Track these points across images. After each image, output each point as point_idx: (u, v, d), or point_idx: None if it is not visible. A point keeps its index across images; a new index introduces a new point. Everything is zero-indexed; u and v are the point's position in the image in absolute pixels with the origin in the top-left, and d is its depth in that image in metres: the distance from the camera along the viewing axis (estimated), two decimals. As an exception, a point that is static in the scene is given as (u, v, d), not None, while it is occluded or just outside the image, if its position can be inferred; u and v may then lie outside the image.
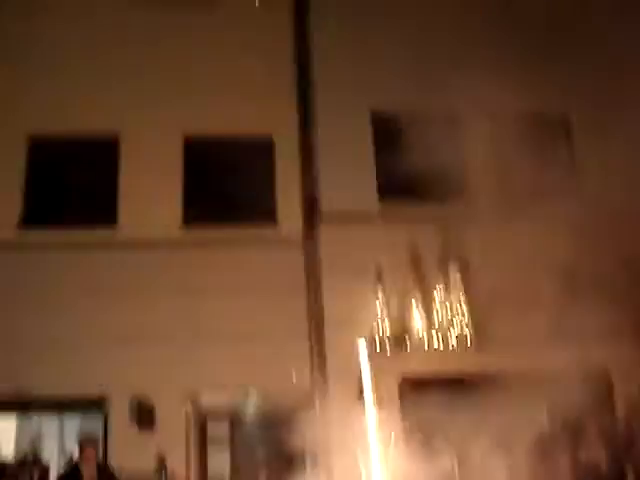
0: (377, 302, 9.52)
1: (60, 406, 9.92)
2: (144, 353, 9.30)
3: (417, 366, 9.29)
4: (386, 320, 9.48)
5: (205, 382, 9.52)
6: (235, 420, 13.40)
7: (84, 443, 8.21)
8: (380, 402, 9.10)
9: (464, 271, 9.51)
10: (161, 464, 8.93)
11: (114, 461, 9.15)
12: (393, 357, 9.32)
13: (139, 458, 9.04)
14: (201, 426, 11.81)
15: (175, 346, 9.39)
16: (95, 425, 9.96)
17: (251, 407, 12.34)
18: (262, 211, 10.24)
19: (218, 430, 13.13)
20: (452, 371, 9.14)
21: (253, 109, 10.25)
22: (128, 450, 9.12)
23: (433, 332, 9.48)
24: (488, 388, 8.28)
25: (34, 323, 9.37)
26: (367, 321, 9.38)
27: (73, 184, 10.41)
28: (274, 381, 9.40)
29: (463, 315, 9.46)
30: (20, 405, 9.70)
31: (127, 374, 9.16)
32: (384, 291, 9.56)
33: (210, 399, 10.76)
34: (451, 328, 9.46)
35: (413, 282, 9.67)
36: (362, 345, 6.00)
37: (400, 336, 9.41)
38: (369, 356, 8.84)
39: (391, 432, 6.57)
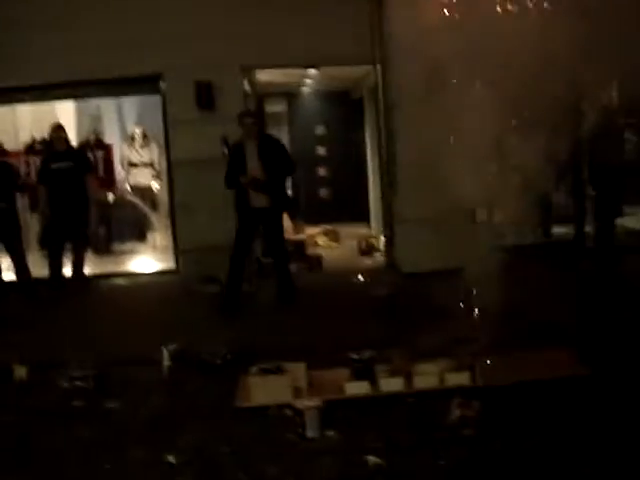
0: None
1: (116, 88, 9.70)
2: (201, 29, 8.79)
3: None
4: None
5: (263, 60, 9.05)
6: (292, 98, 13.35)
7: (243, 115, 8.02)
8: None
9: None
10: (225, 143, 8.84)
11: (175, 142, 9.13)
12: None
13: (199, 138, 8.96)
14: (259, 103, 11.74)
15: (232, 21, 8.82)
16: (153, 106, 9.85)
17: (310, 85, 12.14)
18: None
19: (276, 107, 13.12)
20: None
21: None
22: (188, 130, 9.01)
23: None
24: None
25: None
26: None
27: None
28: (333, 58, 8.96)
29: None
30: (77, 89, 9.49)
31: (183, 51, 8.74)
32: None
33: (268, 77, 10.52)
34: None
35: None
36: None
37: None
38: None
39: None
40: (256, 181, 7.66)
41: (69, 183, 8.50)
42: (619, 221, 9.30)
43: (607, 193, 8.66)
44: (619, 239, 9.04)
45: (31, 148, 10.49)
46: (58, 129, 8.80)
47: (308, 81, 11.90)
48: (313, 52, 8.91)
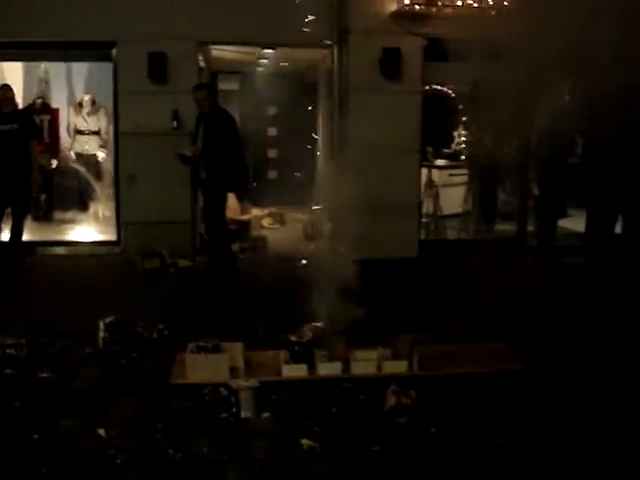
0: None
1: (68, 53, 9.46)
2: (157, 1, 8.64)
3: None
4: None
5: (217, 36, 8.94)
6: (246, 77, 13.22)
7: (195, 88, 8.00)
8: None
9: None
10: (175, 116, 8.75)
11: (123, 112, 8.97)
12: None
13: (149, 110, 8.81)
14: (213, 80, 11.60)
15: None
16: (104, 74, 9.64)
17: (264, 64, 12.05)
18: None
19: (229, 85, 12.98)
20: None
21: None
22: (138, 100, 8.85)
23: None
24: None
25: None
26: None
27: None
28: (290, 37, 8.89)
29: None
30: (25, 50, 9.23)
31: (139, 21, 8.56)
32: None
33: (222, 54, 10.40)
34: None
35: None
36: None
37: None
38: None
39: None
40: (183, 157, 7.91)
41: (13, 146, 8.28)
42: (561, 222, 9.49)
43: (551, 193, 8.82)
44: (560, 240, 9.23)
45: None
46: (5, 89, 8.54)
47: (263, 61, 11.80)
48: (270, 32, 8.82)
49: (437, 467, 3.77)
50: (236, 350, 4.98)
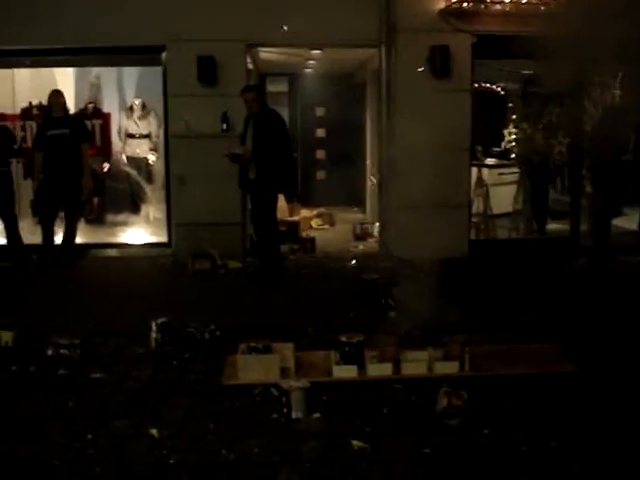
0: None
1: (118, 58, 9.60)
2: (208, 3, 8.71)
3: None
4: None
5: (266, 39, 8.97)
6: (294, 78, 13.26)
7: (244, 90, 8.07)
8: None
9: None
10: (224, 118, 8.82)
11: (174, 115, 9.06)
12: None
13: (198, 112, 8.90)
14: (261, 82, 11.66)
15: (236, 1, 8.75)
16: (154, 78, 9.75)
17: (313, 66, 12.05)
18: None
19: (277, 87, 13.03)
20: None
21: None
22: (189, 104, 8.94)
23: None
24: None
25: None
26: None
27: None
28: (338, 37, 8.88)
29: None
30: (77, 56, 9.39)
31: (188, 25, 8.65)
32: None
33: (271, 56, 10.44)
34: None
35: None
36: None
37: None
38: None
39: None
40: (234, 155, 7.84)
41: (65, 150, 8.44)
42: (616, 221, 9.29)
43: (605, 192, 8.64)
44: (615, 239, 9.03)
45: (28, 113, 10.37)
46: (57, 95, 8.71)
47: (311, 62, 11.81)
48: (318, 33, 8.83)
49: (489, 470, 3.71)
50: (287, 351, 4.98)
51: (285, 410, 4.31)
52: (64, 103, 8.76)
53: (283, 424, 4.25)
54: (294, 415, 4.29)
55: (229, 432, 4.14)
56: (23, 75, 10.32)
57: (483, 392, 4.58)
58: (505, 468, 3.71)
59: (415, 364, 4.90)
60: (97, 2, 8.68)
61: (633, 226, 10.15)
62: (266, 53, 10.20)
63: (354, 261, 8.85)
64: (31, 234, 9.30)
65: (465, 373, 4.86)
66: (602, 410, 4.37)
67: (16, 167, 9.41)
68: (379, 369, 4.86)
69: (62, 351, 5.28)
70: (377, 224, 9.96)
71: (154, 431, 4.14)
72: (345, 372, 4.84)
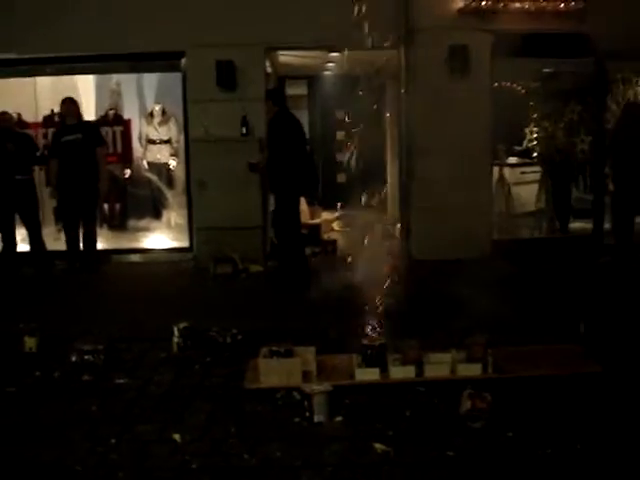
0: None
1: (138, 64, 9.66)
2: (225, 8, 8.74)
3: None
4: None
5: (284, 42, 8.98)
6: (314, 81, 13.25)
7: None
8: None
9: None
10: (245, 122, 8.83)
11: (194, 120, 9.10)
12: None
13: (220, 118, 8.92)
14: (281, 85, 11.67)
15: (257, 2, 8.76)
16: (174, 84, 9.79)
17: (331, 67, 12.03)
18: None
19: (296, 90, 13.02)
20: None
21: None
22: (209, 108, 8.97)
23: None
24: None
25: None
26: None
27: None
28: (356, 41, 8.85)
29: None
30: (97, 63, 9.46)
31: (206, 30, 8.68)
32: None
33: (289, 59, 10.44)
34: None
35: None
36: None
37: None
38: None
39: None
40: (251, 165, 8.07)
41: (79, 156, 8.52)
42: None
43: (628, 189, 8.54)
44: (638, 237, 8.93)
45: (50, 121, 10.47)
46: (69, 102, 8.79)
47: (330, 64, 11.79)
48: (336, 35, 8.79)
49: (514, 473, 3.67)
50: (309, 354, 4.97)
51: (307, 414, 4.30)
52: (77, 110, 8.84)
53: (305, 428, 4.24)
54: (316, 419, 4.27)
55: (251, 436, 4.13)
56: (45, 83, 10.42)
57: (507, 394, 4.54)
58: (530, 471, 3.67)
59: (438, 366, 4.87)
60: (116, 10, 8.74)
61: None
62: (285, 56, 10.21)
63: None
64: (54, 240, 9.38)
65: (488, 375, 4.82)
66: (627, 411, 4.32)
67: (39, 175, 9.48)
68: (402, 372, 4.83)
69: (86, 357, 5.31)
70: (398, 225, 9.92)
71: (177, 436, 4.15)
72: (367, 375, 4.82)
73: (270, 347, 4.98)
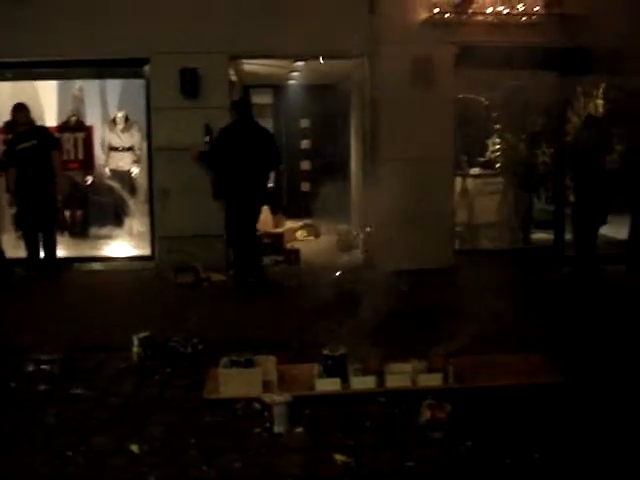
0: None
1: (101, 70, 9.58)
2: (190, 15, 8.70)
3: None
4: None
5: (249, 50, 8.97)
6: (278, 90, 13.25)
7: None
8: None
9: None
10: (208, 131, 8.80)
11: (156, 128, 9.04)
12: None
13: (183, 126, 8.87)
14: (245, 94, 11.66)
15: (222, 10, 8.74)
16: (137, 91, 9.72)
17: (297, 77, 12.05)
18: None
19: (261, 99, 13.02)
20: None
21: None
22: (172, 116, 8.92)
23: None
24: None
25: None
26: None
27: None
28: (321, 49, 8.90)
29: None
30: (59, 69, 9.36)
31: (170, 37, 8.64)
32: None
33: (254, 68, 10.43)
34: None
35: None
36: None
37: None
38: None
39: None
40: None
41: (35, 162, 8.46)
42: (605, 230, 9.30)
43: (588, 200, 8.65)
44: (601, 247, 9.05)
45: (10, 126, 10.31)
46: (20, 109, 8.69)
47: (295, 74, 11.82)
48: (301, 44, 8.83)
49: (474, 483, 3.68)
50: (269, 364, 4.94)
51: (267, 424, 4.27)
52: (29, 116, 8.74)
53: (265, 439, 4.20)
54: (276, 429, 4.24)
55: (210, 447, 4.09)
56: (5, 88, 10.25)
57: (467, 404, 4.55)
58: (489, 481, 3.68)
59: (399, 376, 4.87)
60: (80, 15, 8.65)
61: (621, 235, 10.16)
62: (250, 65, 10.20)
63: (339, 273, 8.81)
64: (14, 248, 9.23)
65: (449, 385, 4.83)
66: (586, 420, 4.36)
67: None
68: (362, 382, 4.83)
69: (43, 367, 5.22)
70: (362, 235, 9.94)
71: (134, 447, 4.09)
72: (328, 385, 4.80)
73: (230, 357, 4.94)
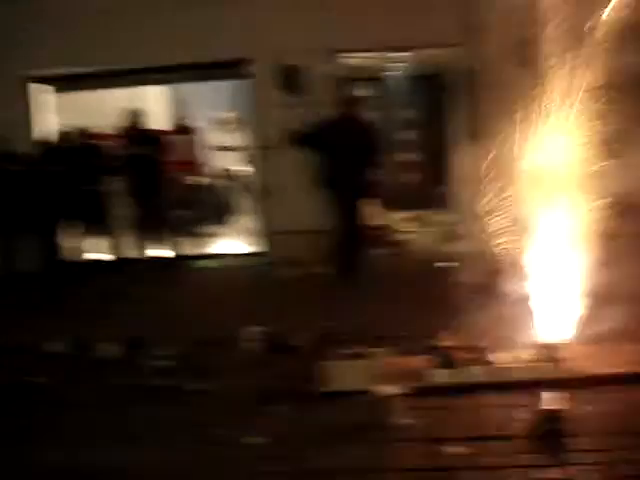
0: None
1: (207, 73, 9.83)
2: (289, 12, 8.81)
3: None
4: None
5: (352, 43, 8.99)
6: (380, 81, 13.20)
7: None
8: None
9: None
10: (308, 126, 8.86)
11: (263, 126, 9.19)
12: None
13: (287, 122, 8.97)
14: (347, 87, 11.67)
15: (321, 5, 8.80)
16: (242, 91, 9.92)
17: (397, 68, 11.99)
18: None
19: (364, 91, 12.98)
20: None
21: None
22: (276, 114, 9.05)
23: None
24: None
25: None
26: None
27: None
28: (422, 40, 8.82)
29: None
30: (167, 74, 9.67)
31: (271, 36, 8.76)
32: None
33: (355, 61, 10.44)
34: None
35: None
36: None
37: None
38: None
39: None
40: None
41: (149, 167, 8.74)
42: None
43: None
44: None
45: (121, 132, 10.71)
46: (135, 114, 9.01)
47: (397, 64, 11.76)
48: (402, 35, 8.78)
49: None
50: (382, 356, 4.96)
51: (382, 416, 4.29)
52: (142, 122, 9.04)
53: (380, 431, 4.22)
54: (391, 421, 4.26)
55: (326, 440, 4.14)
56: (117, 95, 10.66)
57: (581, 394, 4.43)
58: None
59: (511, 367, 4.80)
60: (182, 20, 8.91)
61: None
62: (351, 58, 10.21)
63: (445, 263, 8.73)
64: (133, 248, 9.60)
65: (564, 375, 4.72)
66: None
67: (113, 185, 9.72)
68: (474, 373, 4.79)
69: (160, 362, 5.42)
70: (467, 225, 9.79)
71: (252, 439, 4.19)
72: (440, 377, 4.79)
73: (345, 350, 4.99)
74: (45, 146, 9.40)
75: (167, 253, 9.12)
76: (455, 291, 7.04)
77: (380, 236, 9.96)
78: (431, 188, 12.56)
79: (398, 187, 13.12)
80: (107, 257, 9.52)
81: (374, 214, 10.38)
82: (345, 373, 4.84)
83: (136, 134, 8.99)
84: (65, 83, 10.04)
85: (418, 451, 3.93)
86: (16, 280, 8.93)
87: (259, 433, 4.26)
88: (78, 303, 7.85)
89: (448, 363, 4.81)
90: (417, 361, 5.05)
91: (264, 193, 9.10)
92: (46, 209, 8.93)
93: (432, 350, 4.89)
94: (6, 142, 9.04)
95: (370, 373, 4.82)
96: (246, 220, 10.90)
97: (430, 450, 3.93)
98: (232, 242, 10.58)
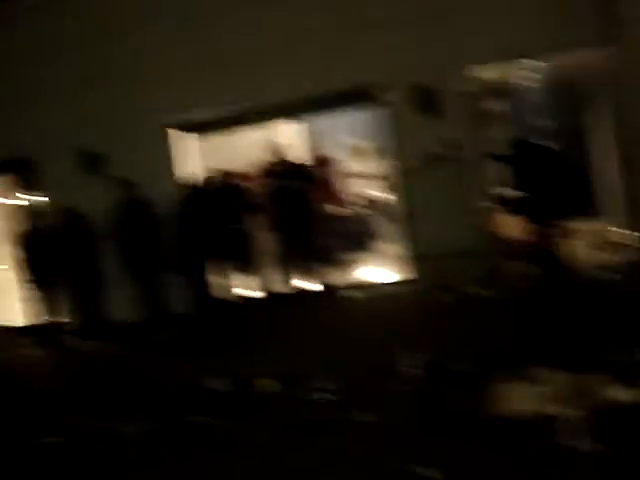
0: None
1: (338, 102, 9.87)
2: (415, 33, 8.77)
3: None
4: None
5: (482, 56, 8.76)
6: (515, 93, 12.84)
7: None
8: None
9: None
10: (457, 148, 8.69)
11: (401, 150, 9.08)
12: None
13: (429, 142, 8.86)
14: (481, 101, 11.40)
15: (448, 23, 8.67)
16: (377, 118, 9.88)
17: (533, 79, 11.61)
18: None
19: (498, 104, 12.67)
20: None
21: None
22: (413, 136, 8.94)
23: None
24: None
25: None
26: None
27: None
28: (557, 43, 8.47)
29: None
30: (300, 107, 9.78)
31: (400, 59, 8.73)
32: None
33: (488, 73, 10.18)
34: None
35: None
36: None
37: None
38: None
39: None
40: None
41: (296, 201, 8.80)
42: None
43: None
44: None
45: (266, 168, 10.89)
46: (278, 150, 9.15)
47: (531, 74, 11.38)
48: (534, 41, 8.46)
49: None
50: (554, 376, 4.69)
51: (558, 439, 4.02)
52: (287, 156, 9.17)
53: (557, 454, 3.95)
54: (570, 444, 3.98)
55: (498, 465, 3.93)
56: (252, 133, 10.87)
57: None
58: None
59: None
60: (311, 53, 8.99)
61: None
62: (483, 71, 9.97)
63: (602, 273, 8.26)
64: (279, 284, 9.68)
65: None
66: None
67: (257, 222, 9.88)
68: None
69: (322, 395, 5.36)
70: (627, 232, 9.27)
71: (422, 470, 4.02)
72: (623, 395, 4.45)
73: (511, 371, 4.76)
74: (190, 189, 9.66)
75: (315, 285, 9.12)
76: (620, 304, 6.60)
77: (532, 249, 9.52)
78: (575, 198, 12.01)
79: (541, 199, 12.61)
80: (256, 294, 9.62)
81: (522, 227, 9.98)
82: (516, 395, 4.60)
83: (282, 169, 9.11)
84: (203, 127, 10.32)
85: (608, 475, 3.64)
86: (169, 321, 9.16)
87: (429, 463, 4.08)
88: (234, 340, 7.95)
89: (633, 380, 4.45)
90: (596, 379, 4.71)
91: (408, 218, 8.95)
92: (195, 250, 9.16)
93: (613, 366, 4.54)
94: (136, 187, 9.32)
95: (543, 394, 4.56)
96: (392, 247, 10.78)
97: (621, 474, 3.63)
98: (379, 270, 10.48)
